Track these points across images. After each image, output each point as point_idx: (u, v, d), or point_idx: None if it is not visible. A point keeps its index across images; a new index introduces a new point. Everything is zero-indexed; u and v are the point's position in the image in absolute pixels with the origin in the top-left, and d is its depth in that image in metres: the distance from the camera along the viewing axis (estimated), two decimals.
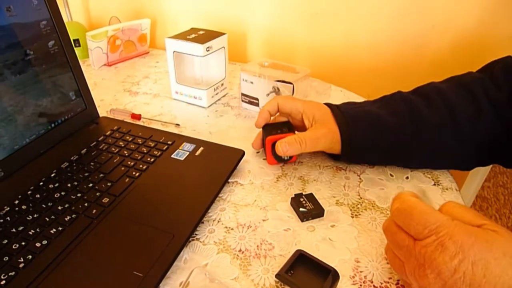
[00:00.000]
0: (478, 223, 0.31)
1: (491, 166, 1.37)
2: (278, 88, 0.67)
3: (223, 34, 0.72)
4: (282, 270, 0.38)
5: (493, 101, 0.48)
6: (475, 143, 0.49)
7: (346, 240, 0.43)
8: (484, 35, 0.76)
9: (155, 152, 0.55)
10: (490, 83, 0.49)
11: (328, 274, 0.37)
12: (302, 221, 0.46)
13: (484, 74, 0.52)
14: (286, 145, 0.50)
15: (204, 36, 0.70)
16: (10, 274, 0.36)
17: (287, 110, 0.55)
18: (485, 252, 0.29)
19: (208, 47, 0.68)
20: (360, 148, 0.51)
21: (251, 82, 0.69)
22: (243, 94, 0.72)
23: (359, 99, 0.77)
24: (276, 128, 0.55)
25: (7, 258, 0.38)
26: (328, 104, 0.54)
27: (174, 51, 0.70)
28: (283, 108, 0.55)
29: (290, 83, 0.65)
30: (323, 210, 0.46)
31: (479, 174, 1.03)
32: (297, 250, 0.40)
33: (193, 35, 0.71)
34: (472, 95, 0.49)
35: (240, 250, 0.42)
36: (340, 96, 0.79)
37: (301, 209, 0.46)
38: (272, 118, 0.57)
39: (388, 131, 0.50)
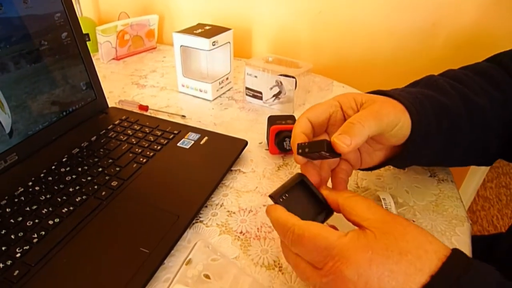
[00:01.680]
0: (366, 217, 0.31)
1: (488, 168, 1.37)
2: (281, 82, 0.69)
3: (229, 29, 0.74)
4: (277, 193, 0.35)
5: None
6: (502, 132, 0.46)
7: (342, 225, 0.45)
8: (483, 33, 0.78)
9: (162, 141, 0.57)
10: (504, 72, 0.48)
11: (323, 209, 0.36)
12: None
13: (494, 65, 0.50)
14: (345, 136, 0.34)
15: (210, 31, 0.72)
16: (24, 248, 0.39)
17: (323, 116, 0.40)
18: (385, 262, 0.28)
19: (214, 42, 0.70)
20: (429, 124, 0.40)
21: (255, 76, 0.72)
22: (247, 88, 0.74)
23: None
24: (281, 119, 0.57)
25: (22, 233, 0.40)
26: (381, 92, 0.43)
27: (181, 45, 0.73)
28: (317, 118, 0.40)
29: (293, 77, 0.67)
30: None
31: (478, 174, 1.05)
32: (299, 174, 0.37)
33: (199, 30, 0.73)
34: (496, 83, 0.46)
35: (241, 232, 0.44)
36: (342, 92, 0.80)
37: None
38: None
39: (446, 110, 0.42)
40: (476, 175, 1.04)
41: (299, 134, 0.38)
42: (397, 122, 0.37)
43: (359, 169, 0.45)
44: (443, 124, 0.41)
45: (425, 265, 0.28)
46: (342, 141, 0.33)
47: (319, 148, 0.35)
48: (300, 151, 0.36)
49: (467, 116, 0.43)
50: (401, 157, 0.42)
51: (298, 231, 0.31)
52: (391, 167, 0.56)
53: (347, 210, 0.33)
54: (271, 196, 0.35)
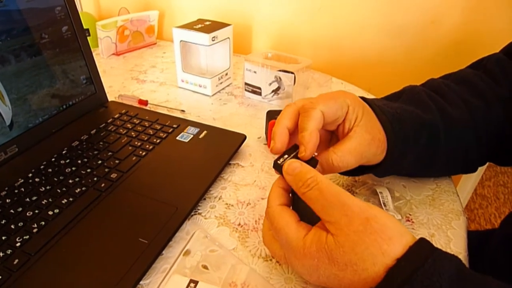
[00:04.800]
0: (330, 219, 0.31)
1: (486, 166, 1.38)
2: (280, 78, 0.69)
3: (229, 25, 0.75)
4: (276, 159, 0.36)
5: (497, 95, 0.47)
6: (487, 139, 0.47)
7: None
8: (482, 30, 0.78)
9: (161, 134, 0.57)
10: (488, 79, 0.49)
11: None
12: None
13: (478, 71, 0.51)
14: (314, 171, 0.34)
15: (210, 27, 0.73)
16: (24, 237, 0.39)
17: (334, 116, 0.39)
18: (331, 268, 0.30)
19: (214, 37, 0.71)
20: (401, 154, 0.43)
21: (254, 72, 0.72)
22: (246, 84, 0.75)
23: (359, 91, 0.80)
24: (280, 114, 0.57)
25: (22, 223, 0.41)
26: (364, 99, 0.43)
27: (181, 40, 0.73)
28: (330, 115, 0.38)
29: (292, 73, 0.68)
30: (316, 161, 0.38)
31: (475, 173, 1.05)
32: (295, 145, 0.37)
33: (199, 25, 0.73)
34: (478, 91, 0.47)
35: (239, 224, 0.45)
36: (340, 88, 0.81)
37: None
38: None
39: (425, 126, 0.44)
40: (472, 175, 1.04)
41: (315, 132, 0.36)
42: (373, 157, 0.41)
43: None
44: (421, 139, 0.43)
45: (369, 276, 0.29)
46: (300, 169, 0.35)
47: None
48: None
49: (444, 129, 0.44)
50: (378, 169, 0.44)
51: (272, 214, 0.35)
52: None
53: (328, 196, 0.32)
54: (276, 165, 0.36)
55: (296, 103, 0.39)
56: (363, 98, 0.43)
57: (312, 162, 0.36)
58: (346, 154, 0.38)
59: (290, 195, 0.37)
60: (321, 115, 0.37)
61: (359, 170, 0.44)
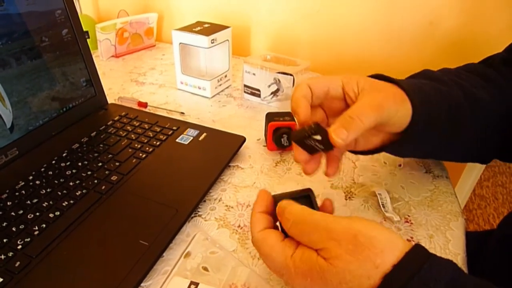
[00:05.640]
0: (319, 247, 0.30)
1: (485, 167, 1.38)
2: (279, 80, 0.70)
3: (228, 27, 0.75)
4: (281, 195, 0.37)
5: (506, 89, 0.46)
6: (503, 128, 0.46)
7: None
8: (480, 31, 0.78)
9: (161, 136, 0.58)
10: (498, 76, 0.47)
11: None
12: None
13: (486, 67, 0.50)
14: (342, 130, 0.34)
15: (209, 29, 0.73)
16: (26, 240, 0.39)
17: (323, 88, 0.39)
18: (324, 286, 0.29)
19: (213, 39, 0.71)
20: (431, 110, 0.40)
21: (253, 74, 0.72)
22: (245, 86, 0.75)
23: None
24: (279, 115, 0.58)
25: (23, 226, 0.41)
26: (382, 76, 0.42)
27: (180, 43, 0.73)
28: (317, 87, 0.39)
29: (291, 75, 0.68)
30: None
31: (473, 172, 1.06)
32: (308, 189, 0.37)
33: (198, 28, 0.73)
34: (490, 80, 0.46)
35: (239, 226, 0.45)
36: None
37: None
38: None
39: (448, 98, 0.41)
40: (472, 173, 1.05)
41: (300, 98, 0.38)
42: (396, 112, 0.37)
43: (352, 151, 0.45)
44: (444, 112, 0.41)
45: None
46: (339, 136, 0.34)
47: (314, 132, 0.36)
48: (294, 137, 0.38)
49: (468, 107, 0.42)
50: (399, 143, 0.41)
51: (256, 244, 0.34)
52: (387, 163, 0.57)
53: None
54: (273, 196, 0.37)
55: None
56: (380, 76, 0.42)
57: (323, 135, 0.36)
58: (365, 108, 0.35)
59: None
60: (307, 87, 0.39)
61: (379, 148, 0.43)
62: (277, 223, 0.36)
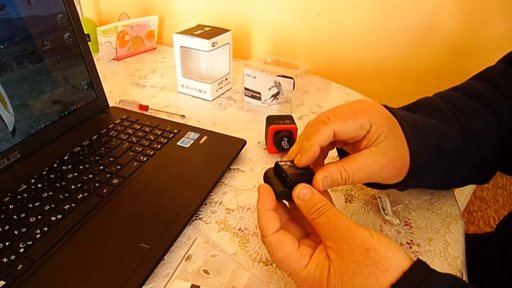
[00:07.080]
0: (333, 245, 0.32)
1: None
2: (279, 83, 0.70)
3: (228, 30, 0.75)
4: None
5: (506, 107, 0.47)
6: (501, 150, 0.47)
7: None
8: (478, 36, 0.79)
9: (162, 140, 0.58)
10: (494, 90, 0.48)
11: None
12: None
13: (483, 83, 0.50)
14: (328, 179, 0.35)
15: (210, 32, 0.73)
16: (28, 243, 0.40)
17: (350, 135, 0.37)
18: None
19: (214, 43, 0.72)
20: (429, 153, 0.41)
21: (254, 77, 0.73)
22: (246, 89, 0.75)
23: (358, 96, 0.80)
24: (279, 119, 0.58)
25: (25, 229, 0.41)
26: (388, 108, 0.41)
27: (181, 46, 0.74)
28: (343, 135, 0.37)
29: (291, 78, 0.68)
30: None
31: None
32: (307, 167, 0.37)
33: (199, 31, 0.74)
34: (487, 103, 0.47)
35: (239, 229, 0.45)
36: (339, 93, 0.82)
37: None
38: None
39: (447, 139, 0.43)
40: None
41: (315, 146, 0.36)
42: (390, 176, 0.39)
43: None
44: (443, 153, 0.42)
45: None
46: (322, 183, 0.35)
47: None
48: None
49: (464, 142, 0.44)
50: (400, 185, 0.42)
51: (269, 245, 0.34)
52: None
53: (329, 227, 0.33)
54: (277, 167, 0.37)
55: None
56: (386, 107, 0.41)
57: (307, 171, 0.37)
58: (355, 171, 0.36)
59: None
60: (331, 134, 0.36)
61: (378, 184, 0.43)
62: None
